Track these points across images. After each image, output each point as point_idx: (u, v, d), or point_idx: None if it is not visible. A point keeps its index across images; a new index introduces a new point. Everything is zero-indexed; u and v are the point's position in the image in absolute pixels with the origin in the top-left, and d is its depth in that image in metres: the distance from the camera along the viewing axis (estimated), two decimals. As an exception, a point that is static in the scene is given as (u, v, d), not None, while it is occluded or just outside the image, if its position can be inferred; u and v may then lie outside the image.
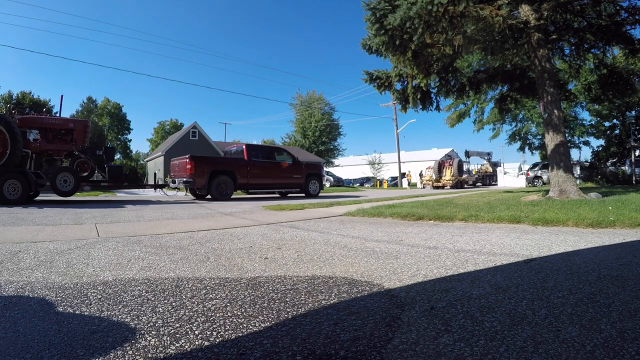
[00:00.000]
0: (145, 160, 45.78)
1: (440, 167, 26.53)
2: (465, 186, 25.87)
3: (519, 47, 8.57)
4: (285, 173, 11.34)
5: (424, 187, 28.72)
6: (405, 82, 9.42)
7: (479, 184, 29.66)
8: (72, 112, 53.59)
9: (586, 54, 9.70)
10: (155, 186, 11.26)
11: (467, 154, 30.14)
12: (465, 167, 27.94)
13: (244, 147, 10.83)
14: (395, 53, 7.68)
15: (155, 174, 15.77)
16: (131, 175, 41.95)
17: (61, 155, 9.01)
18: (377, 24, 7.05)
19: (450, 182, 25.14)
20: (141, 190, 15.42)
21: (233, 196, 10.84)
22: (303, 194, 11.83)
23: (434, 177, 26.54)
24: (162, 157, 31.05)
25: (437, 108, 10.17)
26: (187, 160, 9.60)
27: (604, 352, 1.07)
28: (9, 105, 8.90)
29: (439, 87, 9.88)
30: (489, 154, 33.31)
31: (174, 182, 10.35)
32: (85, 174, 9.09)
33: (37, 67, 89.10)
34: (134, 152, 59.86)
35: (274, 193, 12.38)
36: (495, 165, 32.97)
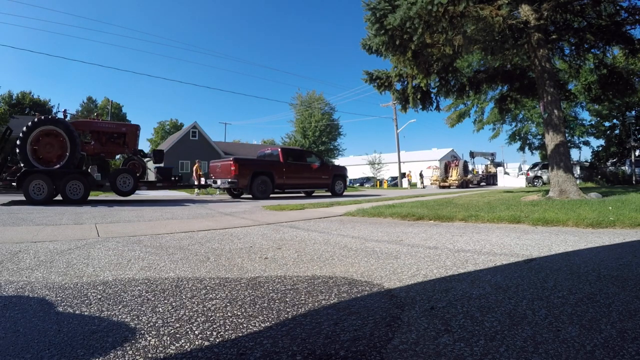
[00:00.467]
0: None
1: (447, 167, 27.56)
2: (470, 186, 26.59)
3: (519, 47, 8.57)
4: (315, 174, 12.27)
5: (424, 187, 28.85)
6: (405, 82, 9.42)
7: (483, 183, 30.46)
8: (72, 112, 53.57)
9: (586, 54, 9.69)
10: (200, 186, 12.22)
11: (472, 155, 30.68)
12: (469, 167, 28.90)
13: (279, 150, 11.92)
14: (395, 53, 7.68)
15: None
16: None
17: (113, 158, 9.52)
18: (377, 24, 7.05)
19: (456, 182, 26.13)
20: (169, 191, 16.33)
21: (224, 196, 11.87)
22: (330, 193, 12.86)
23: (440, 177, 27.48)
24: (162, 157, 31.00)
25: (437, 108, 10.16)
26: (232, 162, 10.45)
27: (604, 352, 1.07)
28: (64, 110, 9.43)
29: (439, 87, 9.87)
30: (492, 154, 33.61)
31: (215, 182, 11.17)
32: (138, 174, 9.57)
33: (37, 67, 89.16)
34: (134, 152, 59.76)
35: (299, 192, 13.22)
36: (498, 165, 33.28)
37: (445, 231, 3.71)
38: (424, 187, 29.21)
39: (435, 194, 13.05)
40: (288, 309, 1.50)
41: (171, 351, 1.13)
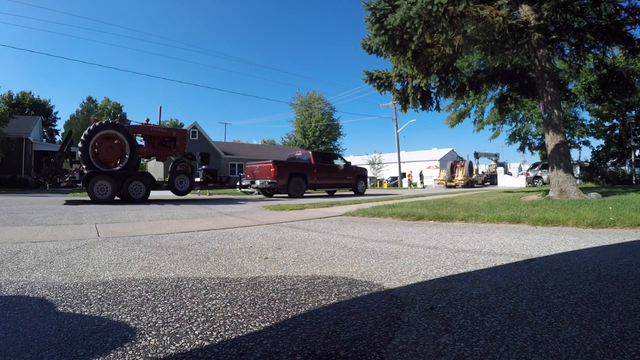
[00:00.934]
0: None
1: (453, 168, 28.57)
2: (475, 185, 27.57)
3: (519, 47, 8.57)
4: (341, 174, 13.44)
5: (424, 187, 28.93)
6: (405, 82, 9.42)
7: (487, 183, 30.99)
8: (72, 112, 53.70)
9: (586, 54, 9.69)
10: (241, 186, 13.00)
11: (477, 155, 31.51)
12: (474, 167, 30.05)
13: (310, 153, 13.07)
14: (395, 53, 7.68)
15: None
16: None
17: (165, 160, 10.16)
18: (377, 24, 7.05)
19: (462, 181, 27.19)
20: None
21: (224, 196, 12.46)
22: (353, 192, 14.11)
23: (447, 177, 28.43)
24: (162, 157, 31.03)
25: (437, 108, 10.16)
26: (271, 165, 11.34)
27: (604, 352, 1.07)
28: (118, 115, 10.01)
29: (439, 87, 9.87)
30: (496, 155, 34.21)
31: (253, 182, 12.10)
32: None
33: (37, 67, 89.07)
34: (134, 152, 59.83)
35: (321, 192, 14.55)
36: (501, 165, 33.75)
37: (445, 231, 3.71)
38: (424, 187, 29.29)
39: (435, 194, 13.06)
40: (288, 309, 1.50)
41: (171, 351, 1.13)
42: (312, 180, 12.30)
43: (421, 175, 31.40)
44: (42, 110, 44.10)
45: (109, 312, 1.47)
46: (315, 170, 12.43)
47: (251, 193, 14.22)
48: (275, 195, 12.42)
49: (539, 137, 26.34)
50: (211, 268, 2.24)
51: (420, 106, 9.98)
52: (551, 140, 7.69)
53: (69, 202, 8.44)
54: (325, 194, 14.51)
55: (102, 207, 7.10)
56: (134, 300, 1.63)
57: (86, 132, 8.73)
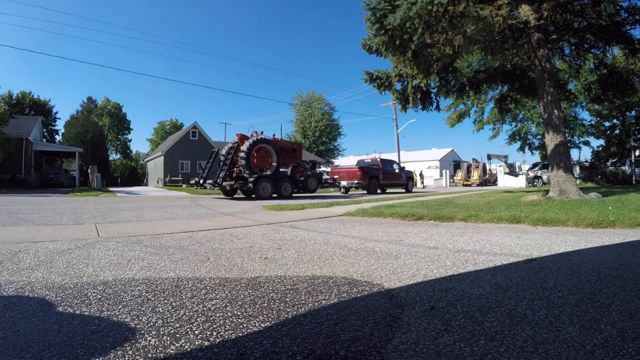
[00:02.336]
0: (145, 160, 45.80)
1: (469, 169, 32.60)
2: (488, 184, 30.85)
3: (519, 47, 8.57)
4: (397, 176, 16.90)
5: (424, 187, 29.13)
6: (405, 82, 9.42)
7: (497, 182, 33.16)
8: (72, 112, 53.70)
9: (586, 54, 9.69)
10: (339, 187, 15.28)
11: (489, 157, 34.86)
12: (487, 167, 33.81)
13: (378, 160, 16.72)
14: (395, 53, 7.68)
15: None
16: (131, 176, 42.08)
17: (288, 166, 12.24)
18: (377, 24, 7.05)
19: (477, 181, 30.81)
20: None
21: (231, 195, 12.18)
22: (404, 190, 17.12)
23: (463, 177, 32.39)
24: (162, 157, 31.03)
25: (437, 108, 10.16)
26: (358, 169, 14.84)
27: (604, 352, 1.07)
28: (262, 131, 12.55)
29: (439, 87, 9.87)
30: (506, 156, 36.45)
31: (339, 182, 14.96)
32: (302, 178, 12.51)
33: (37, 67, 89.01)
34: (134, 152, 59.87)
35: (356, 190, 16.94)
36: (511, 166, 35.29)
37: (445, 231, 3.72)
38: (424, 187, 29.40)
39: (435, 194, 13.06)
40: (288, 309, 1.50)
41: (171, 351, 1.13)
42: (381, 181, 15.64)
43: (421, 175, 31.66)
44: (42, 110, 44.07)
45: (109, 312, 1.47)
46: (382, 173, 15.78)
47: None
48: (350, 192, 15.77)
49: (539, 137, 26.36)
50: (211, 268, 2.24)
51: (420, 106, 9.98)
52: (551, 140, 7.69)
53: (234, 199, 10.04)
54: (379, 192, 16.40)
55: (102, 207, 7.10)
56: (134, 300, 1.63)
57: (248, 145, 10.89)
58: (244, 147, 10.89)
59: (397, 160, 19.40)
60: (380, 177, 15.57)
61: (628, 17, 8.36)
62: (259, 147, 11.23)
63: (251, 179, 10.68)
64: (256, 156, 11.26)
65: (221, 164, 11.46)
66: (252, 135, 12.07)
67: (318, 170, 18.33)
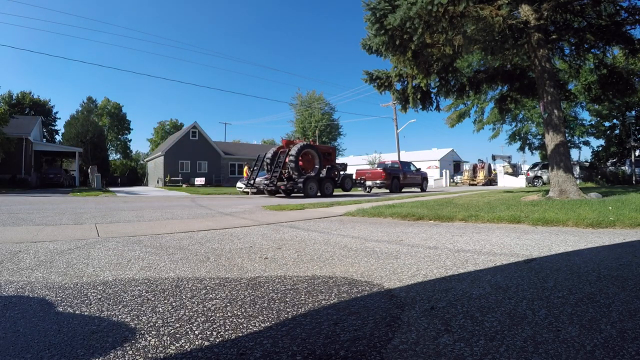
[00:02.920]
0: (145, 160, 45.79)
1: (474, 169, 34.13)
2: (492, 184, 32.07)
3: (519, 47, 8.56)
4: (414, 176, 18.65)
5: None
6: (405, 82, 9.42)
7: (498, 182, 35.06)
8: (72, 112, 53.69)
9: (586, 54, 9.69)
10: (365, 186, 17.06)
11: (494, 158, 35.68)
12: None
13: (399, 162, 18.53)
14: (395, 53, 7.68)
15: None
16: (131, 176, 42.11)
17: (325, 168, 13.67)
18: (377, 24, 7.05)
19: (483, 180, 32.07)
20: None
21: (230, 196, 12.52)
22: (419, 189, 18.91)
23: (469, 177, 33.86)
24: (162, 157, 31.02)
25: (437, 108, 10.16)
26: (382, 171, 16.92)
27: (604, 352, 1.07)
28: (312, 139, 14.23)
29: (439, 87, 9.87)
30: (509, 157, 36.97)
31: (364, 182, 16.95)
32: (338, 179, 14.21)
33: (37, 67, 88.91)
34: (134, 152, 59.85)
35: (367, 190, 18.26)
36: (514, 166, 35.86)
37: (445, 231, 3.71)
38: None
39: (435, 194, 13.06)
40: (288, 309, 1.50)
41: (171, 351, 1.13)
42: (401, 181, 17.59)
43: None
44: (42, 110, 44.06)
45: (109, 312, 1.47)
46: (402, 174, 17.76)
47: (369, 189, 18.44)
48: (372, 191, 17.42)
49: (539, 137, 26.36)
50: (211, 268, 2.24)
51: (420, 106, 9.97)
52: (551, 140, 7.69)
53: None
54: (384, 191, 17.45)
55: (103, 207, 7.10)
56: (134, 300, 1.63)
57: (296, 150, 12.29)
58: (292, 152, 12.33)
59: (413, 163, 21.31)
60: (401, 178, 17.64)
61: (628, 17, 8.35)
62: (305, 152, 12.99)
63: (300, 180, 12.11)
64: (302, 159, 12.96)
65: (270, 166, 12.86)
66: (294, 140, 14.27)
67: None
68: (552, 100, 7.66)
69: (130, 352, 1.12)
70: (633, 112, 22.32)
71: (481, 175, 33.09)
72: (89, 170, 12.55)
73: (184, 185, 28.05)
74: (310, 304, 1.56)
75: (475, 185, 31.78)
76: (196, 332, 1.28)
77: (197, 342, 1.19)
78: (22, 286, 1.85)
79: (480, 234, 3.45)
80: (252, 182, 13.29)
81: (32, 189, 19.41)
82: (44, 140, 34.42)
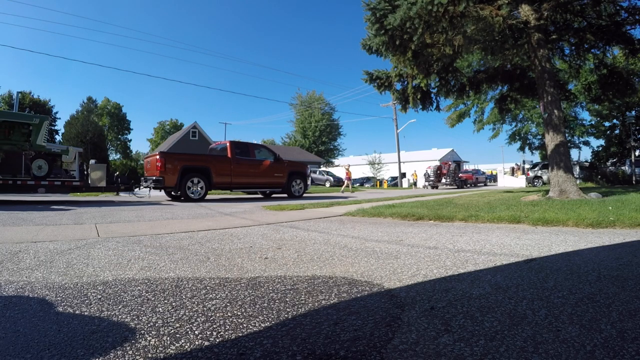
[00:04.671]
0: (145, 160, 45.80)
1: (438, 171, 31.40)
2: (466, 186, 30.75)
3: (519, 47, 8.57)
4: (468, 176, 25.38)
5: (425, 187, 29.14)
6: (405, 82, 9.42)
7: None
8: (72, 112, 53.70)
9: (586, 54, 9.69)
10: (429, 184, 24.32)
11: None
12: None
13: (450, 162, 24.73)
14: (395, 53, 7.68)
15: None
16: (132, 176, 42.11)
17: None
18: (377, 24, 7.05)
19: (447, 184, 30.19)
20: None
21: (233, 195, 12.22)
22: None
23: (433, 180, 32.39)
24: (162, 157, 31.00)
25: (437, 108, 10.16)
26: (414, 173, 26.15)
27: (604, 352, 1.07)
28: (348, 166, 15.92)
29: (439, 87, 9.87)
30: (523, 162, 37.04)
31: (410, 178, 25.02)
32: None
33: (37, 67, 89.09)
34: (134, 152, 59.85)
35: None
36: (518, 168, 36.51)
37: (445, 231, 3.71)
38: (425, 187, 29.46)
39: (435, 194, 13.06)
40: (288, 309, 1.50)
41: (171, 351, 1.13)
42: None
43: (423, 175, 31.75)
44: (42, 110, 44.00)
45: (109, 312, 1.47)
46: (463, 174, 22.49)
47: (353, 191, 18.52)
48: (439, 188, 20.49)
49: (539, 137, 26.36)
50: (211, 268, 2.24)
51: (420, 106, 9.97)
52: (551, 140, 7.69)
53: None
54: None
55: (103, 207, 7.10)
56: (134, 300, 1.63)
57: (449, 165, 19.25)
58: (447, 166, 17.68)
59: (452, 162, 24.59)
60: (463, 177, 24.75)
61: (628, 17, 8.35)
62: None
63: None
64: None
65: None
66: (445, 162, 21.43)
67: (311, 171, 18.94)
68: (552, 100, 7.66)
69: (130, 352, 1.12)
70: (633, 112, 22.31)
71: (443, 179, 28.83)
72: (89, 167, 12.40)
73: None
74: (310, 304, 1.56)
75: (437, 188, 27.58)
76: (196, 332, 1.28)
77: (197, 342, 1.19)
78: (22, 286, 1.85)
79: (480, 234, 3.45)
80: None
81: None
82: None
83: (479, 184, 32.09)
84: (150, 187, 10.14)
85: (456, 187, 27.29)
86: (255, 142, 11.87)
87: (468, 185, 29.69)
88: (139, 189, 11.74)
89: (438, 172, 28.68)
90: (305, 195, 12.45)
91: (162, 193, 11.98)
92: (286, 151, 34.28)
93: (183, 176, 9.53)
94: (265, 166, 11.18)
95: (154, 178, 9.54)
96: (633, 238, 3.07)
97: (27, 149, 9.61)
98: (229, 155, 10.59)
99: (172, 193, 11.03)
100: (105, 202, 9.53)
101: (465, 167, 44.49)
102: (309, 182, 12.74)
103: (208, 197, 10.81)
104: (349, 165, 22.15)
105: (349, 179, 19.81)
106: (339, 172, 44.19)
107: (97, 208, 6.94)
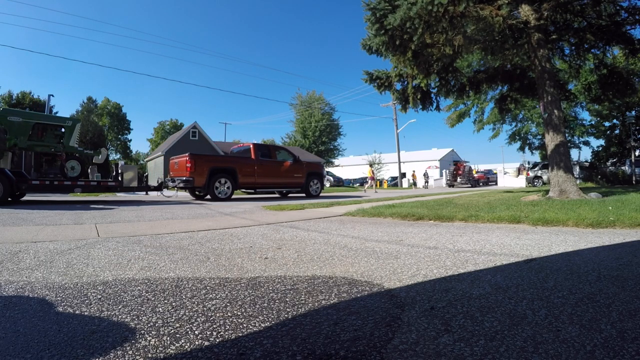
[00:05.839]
0: (145, 160, 45.79)
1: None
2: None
3: (519, 47, 8.57)
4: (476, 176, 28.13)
5: (426, 187, 29.23)
6: (405, 82, 9.42)
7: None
8: (72, 112, 53.66)
9: (586, 54, 9.69)
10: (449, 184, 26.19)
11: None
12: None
13: (464, 164, 27.99)
14: (396, 53, 7.68)
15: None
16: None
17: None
18: (377, 24, 7.05)
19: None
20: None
21: (235, 196, 11.99)
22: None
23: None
24: (162, 157, 31.02)
25: (437, 108, 10.16)
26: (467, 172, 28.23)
27: (604, 352, 1.07)
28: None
29: (439, 87, 9.87)
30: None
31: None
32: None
33: (37, 67, 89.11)
34: (134, 152, 59.86)
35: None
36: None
37: (445, 231, 3.71)
38: (426, 187, 29.51)
39: (435, 194, 13.06)
40: (288, 309, 1.50)
41: (171, 351, 1.13)
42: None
43: (423, 175, 31.76)
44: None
45: (109, 312, 1.47)
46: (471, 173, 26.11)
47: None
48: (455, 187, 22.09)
49: (539, 137, 26.36)
50: (211, 268, 2.24)
51: (420, 106, 9.97)
52: (551, 140, 7.69)
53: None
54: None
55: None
56: (134, 300, 1.63)
57: (465, 167, 20.95)
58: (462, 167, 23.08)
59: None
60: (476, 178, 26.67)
61: (628, 17, 8.36)
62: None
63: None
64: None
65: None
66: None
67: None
68: (552, 100, 7.66)
69: (130, 352, 1.12)
70: (633, 112, 22.32)
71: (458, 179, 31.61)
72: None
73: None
74: (310, 304, 1.56)
75: (452, 187, 30.29)
76: (196, 332, 1.28)
77: (197, 342, 1.19)
78: (22, 286, 1.85)
79: (480, 234, 3.45)
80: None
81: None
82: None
83: (490, 183, 35.10)
84: (178, 187, 10.30)
85: (470, 185, 30.63)
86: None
87: (481, 184, 33.34)
88: (167, 188, 11.90)
89: (455, 172, 32.07)
90: (321, 194, 12.57)
91: (187, 193, 12.14)
92: (286, 151, 34.25)
93: (211, 177, 9.75)
94: (285, 167, 11.50)
95: (184, 178, 9.71)
96: (633, 238, 3.07)
97: (60, 150, 9.81)
98: (253, 156, 10.90)
99: (197, 192, 11.23)
100: (137, 201, 9.70)
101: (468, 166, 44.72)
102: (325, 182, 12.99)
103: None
104: (372, 164, 23.20)
105: (372, 178, 21.15)
106: (338, 172, 44.19)
107: (97, 208, 6.94)
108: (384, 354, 1.10)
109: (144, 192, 10.94)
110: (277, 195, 12.83)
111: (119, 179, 10.06)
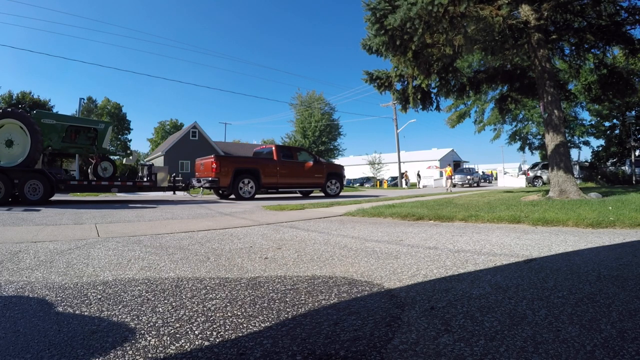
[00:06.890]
0: (145, 160, 45.78)
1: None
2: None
3: (519, 47, 8.57)
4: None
5: (424, 187, 29.25)
6: (406, 82, 9.42)
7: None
8: (72, 112, 53.70)
9: (586, 54, 9.69)
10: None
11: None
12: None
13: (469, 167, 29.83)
14: (396, 53, 7.68)
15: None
16: (132, 176, 42.14)
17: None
18: (377, 24, 7.04)
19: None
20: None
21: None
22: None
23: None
24: (162, 157, 31.05)
25: (437, 108, 10.15)
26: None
27: (604, 352, 1.07)
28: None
29: (439, 87, 9.86)
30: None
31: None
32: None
33: (37, 67, 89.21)
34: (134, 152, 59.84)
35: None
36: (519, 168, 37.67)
37: (445, 231, 3.71)
38: (424, 187, 29.55)
39: (435, 194, 13.06)
40: (288, 309, 1.50)
41: (171, 351, 1.13)
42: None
43: (419, 176, 31.80)
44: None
45: (109, 312, 1.47)
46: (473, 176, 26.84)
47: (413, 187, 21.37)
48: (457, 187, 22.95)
49: (539, 137, 26.37)
50: (211, 268, 2.24)
51: (421, 106, 9.97)
52: (551, 140, 7.69)
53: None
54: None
55: (103, 207, 7.10)
56: (134, 300, 1.63)
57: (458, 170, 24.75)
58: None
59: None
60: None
61: (628, 17, 8.35)
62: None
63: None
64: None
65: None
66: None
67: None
68: (552, 100, 7.66)
69: (130, 352, 1.12)
70: (633, 112, 22.33)
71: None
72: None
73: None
74: (310, 304, 1.56)
75: (455, 186, 31.96)
76: (196, 332, 1.28)
77: (197, 342, 1.19)
78: (22, 286, 1.85)
79: (480, 234, 3.45)
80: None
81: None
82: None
83: (488, 183, 37.36)
84: (203, 187, 10.74)
85: (469, 185, 31.82)
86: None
87: (479, 184, 35.26)
88: (193, 188, 12.31)
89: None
90: (340, 194, 12.87)
91: (212, 193, 12.71)
92: (286, 151, 34.32)
93: (235, 177, 10.20)
94: (306, 167, 11.88)
95: (210, 179, 10.18)
96: (633, 238, 3.07)
97: (94, 152, 10.04)
98: (275, 157, 11.32)
99: (220, 192, 11.63)
100: (169, 201, 9.84)
101: (465, 166, 44.61)
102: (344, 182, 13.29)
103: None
104: (449, 165, 25.02)
105: (450, 178, 22.69)
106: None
107: (98, 208, 6.94)
108: (384, 354, 1.10)
109: (172, 192, 11.17)
110: (298, 195, 13.05)
111: (152, 179, 10.26)
